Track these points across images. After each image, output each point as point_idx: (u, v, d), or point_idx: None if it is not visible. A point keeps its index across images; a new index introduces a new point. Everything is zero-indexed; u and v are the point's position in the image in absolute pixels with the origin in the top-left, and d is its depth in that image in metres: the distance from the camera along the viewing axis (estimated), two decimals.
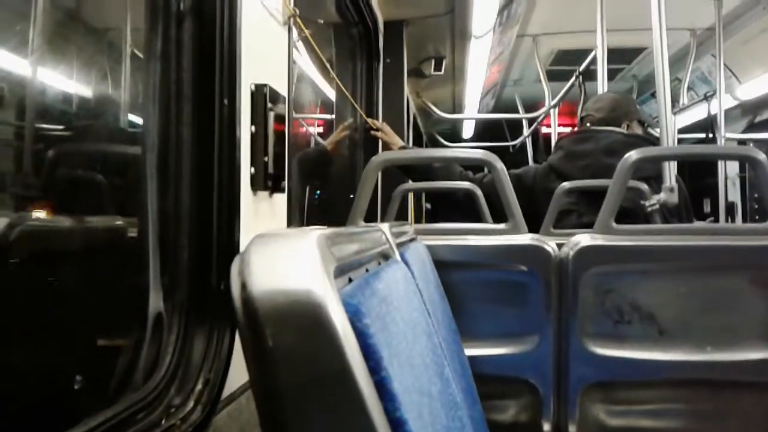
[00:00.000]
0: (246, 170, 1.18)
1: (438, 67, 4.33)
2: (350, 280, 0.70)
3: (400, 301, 0.79)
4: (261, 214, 1.26)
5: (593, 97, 3.27)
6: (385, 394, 0.54)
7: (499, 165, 1.93)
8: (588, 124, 2.96)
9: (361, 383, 0.50)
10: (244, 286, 0.50)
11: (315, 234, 0.57)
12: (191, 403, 1.02)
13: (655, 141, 3.23)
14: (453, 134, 9.06)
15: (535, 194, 2.85)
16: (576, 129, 3.11)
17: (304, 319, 0.49)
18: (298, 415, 0.49)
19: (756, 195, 5.93)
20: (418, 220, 6.11)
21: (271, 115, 1.25)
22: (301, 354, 0.49)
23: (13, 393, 0.85)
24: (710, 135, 5.01)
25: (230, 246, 1.10)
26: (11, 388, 0.85)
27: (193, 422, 1.00)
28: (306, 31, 1.61)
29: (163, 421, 0.98)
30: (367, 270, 0.83)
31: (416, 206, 5.99)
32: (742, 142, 6.00)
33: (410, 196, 4.44)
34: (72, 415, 0.87)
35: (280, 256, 0.53)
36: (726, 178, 5.71)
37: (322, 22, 3.05)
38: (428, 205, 7.34)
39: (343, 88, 3.10)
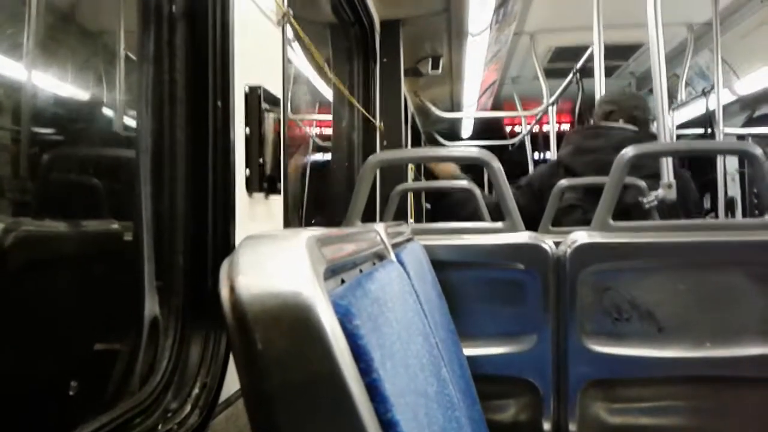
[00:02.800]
0: (241, 172, 1.18)
1: (435, 66, 4.33)
2: (342, 282, 0.70)
3: (395, 302, 0.78)
4: (257, 216, 1.26)
5: (624, 94, 3.20)
6: (376, 395, 0.54)
7: (495, 163, 1.92)
8: (622, 121, 2.93)
9: (351, 385, 0.49)
10: (232, 289, 0.50)
11: (305, 235, 0.57)
12: (188, 408, 1.02)
13: None
14: (452, 133, 9.06)
15: (543, 192, 2.85)
16: (587, 125, 3.10)
17: (293, 321, 0.49)
18: (288, 418, 0.49)
19: (755, 190, 5.93)
20: (418, 221, 6.10)
21: (266, 116, 1.25)
22: (290, 357, 0.49)
23: (7, 399, 0.84)
24: (709, 131, 5.00)
25: (226, 249, 1.09)
26: (5, 393, 0.84)
27: (191, 426, 1.00)
28: (300, 30, 1.61)
29: (160, 426, 0.97)
30: (360, 271, 0.82)
31: (416, 206, 5.98)
32: (741, 137, 5.99)
33: (410, 196, 4.43)
34: (68, 422, 0.86)
35: (270, 257, 0.52)
36: (725, 174, 5.70)
37: (316, 21, 3.05)
38: (428, 205, 7.33)
39: (340, 88, 3.10)
